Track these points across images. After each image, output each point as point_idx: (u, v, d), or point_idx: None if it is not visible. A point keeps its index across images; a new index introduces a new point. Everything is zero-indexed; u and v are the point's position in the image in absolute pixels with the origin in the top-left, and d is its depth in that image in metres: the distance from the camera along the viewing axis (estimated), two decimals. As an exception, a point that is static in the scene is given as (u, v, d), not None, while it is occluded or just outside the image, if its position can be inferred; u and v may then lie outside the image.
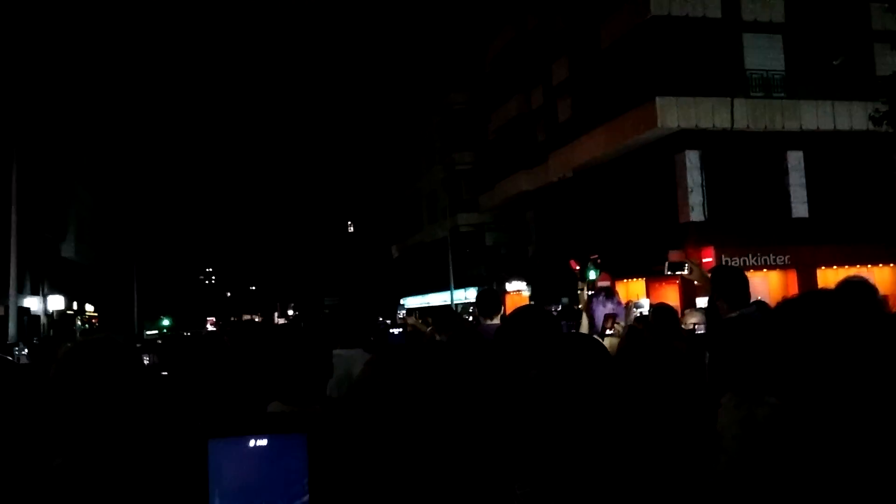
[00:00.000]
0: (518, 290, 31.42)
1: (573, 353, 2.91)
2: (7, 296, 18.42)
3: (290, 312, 63.79)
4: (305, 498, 0.89)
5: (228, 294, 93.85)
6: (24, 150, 20.81)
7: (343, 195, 64.95)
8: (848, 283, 3.78)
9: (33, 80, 24.76)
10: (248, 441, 0.89)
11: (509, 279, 31.96)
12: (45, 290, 32.61)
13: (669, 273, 5.87)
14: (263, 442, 0.90)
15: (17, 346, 9.35)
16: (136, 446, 1.66)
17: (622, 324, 6.90)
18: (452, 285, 35.22)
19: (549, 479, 2.49)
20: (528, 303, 29.41)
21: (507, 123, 32.65)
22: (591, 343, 3.11)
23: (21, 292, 21.06)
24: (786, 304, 1.63)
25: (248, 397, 2.80)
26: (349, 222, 64.60)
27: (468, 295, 34.19)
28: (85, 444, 1.64)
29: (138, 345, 12.43)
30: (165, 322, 49.52)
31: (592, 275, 17.57)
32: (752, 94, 21.70)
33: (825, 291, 1.72)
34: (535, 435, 2.58)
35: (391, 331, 6.40)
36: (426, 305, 37.96)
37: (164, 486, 1.48)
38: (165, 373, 3.71)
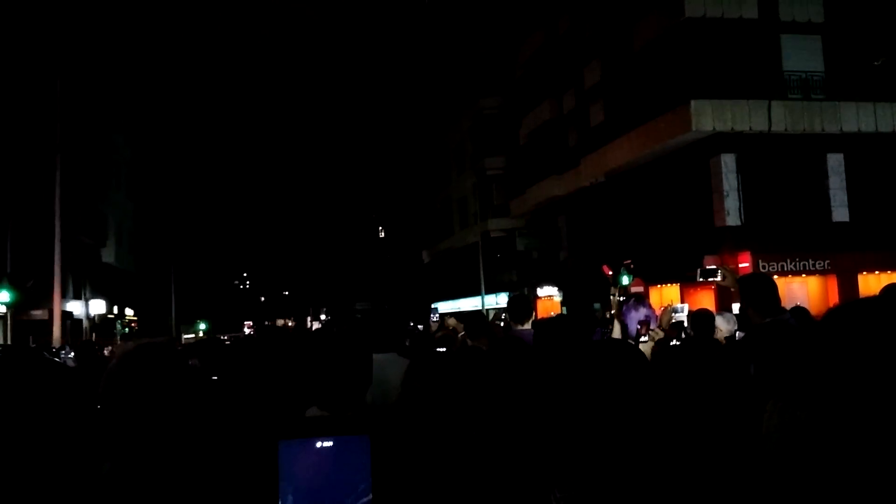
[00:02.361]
0: (549, 296, 31.29)
1: (611, 358, 2.90)
2: (51, 300, 18.87)
3: (322, 317, 64.32)
4: (369, 497, 0.93)
5: (262, 299, 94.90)
6: (66, 157, 21.35)
7: (374, 201, 65.38)
8: (891, 290, 3.70)
9: (73, 86, 25.39)
10: (316, 442, 0.94)
11: (540, 284, 31.85)
12: (87, 295, 33.39)
13: (703, 279, 5.82)
14: (330, 443, 0.95)
15: (64, 349, 9.58)
16: (198, 448, 1.68)
17: (655, 329, 6.82)
18: (483, 291, 35.20)
19: (586, 484, 2.49)
20: (559, 309, 29.33)
21: (539, 128, 32.56)
22: (628, 349, 3.09)
23: (64, 297, 21.55)
24: (831, 313, 1.61)
25: (286, 402, 2.84)
26: (380, 228, 64.95)
27: (499, 300, 34.12)
28: (140, 449, 1.65)
29: (178, 348, 12.66)
30: (202, 326, 50.29)
31: (625, 280, 17.45)
32: (790, 95, 21.34)
33: (869, 300, 1.70)
34: (572, 439, 2.58)
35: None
36: (456, 311, 37.98)
37: (234, 486, 1.51)
38: (214, 377, 3.78)
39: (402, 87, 54.73)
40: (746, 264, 19.50)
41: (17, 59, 24.31)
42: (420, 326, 14.53)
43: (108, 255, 37.91)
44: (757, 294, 4.33)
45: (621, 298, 7.35)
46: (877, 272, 20.33)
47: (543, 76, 32.14)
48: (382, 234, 64.42)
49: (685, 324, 6.11)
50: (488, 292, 35.33)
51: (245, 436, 1.70)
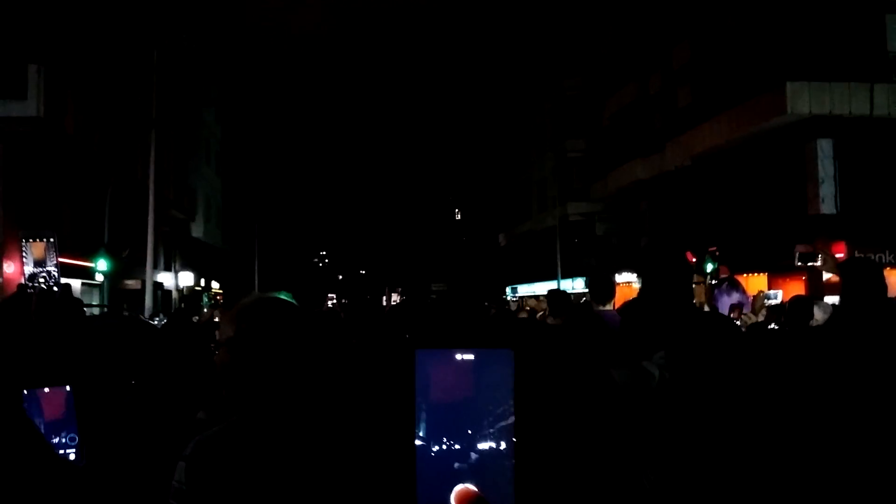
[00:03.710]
0: (628, 282, 30.70)
1: (709, 334, 2.82)
2: (144, 271, 19.78)
3: (396, 297, 64.97)
4: (511, 419, 0.89)
5: (340, 277, 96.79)
6: (160, 133, 22.26)
7: (452, 183, 65.53)
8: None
9: (167, 61, 26.37)
10: (455, 354, 0.90)
11: (619, 270, 31.27)
12: (177, 267, 34.86)
13: (800, 263, 5.59)
14: (471, 356, 0.90)
15: (158, 316, 10.03)
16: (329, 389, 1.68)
17: (748, 314, 6.63)
18: (560, 275, 34.86)
19: (676, 468, 2.44)
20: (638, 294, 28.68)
21: (623, 109, 31.82)
22: (727, 325, 3.00)
23: (155, 268, 22.57)
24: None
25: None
26: (457, 210, 65.10)
27: (575, 285, 33.72)
28: (270, 400, 1.61)
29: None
30: (283, 297, 51.66)
31: (710, 267, 16.96)
32: (894, 78, 20.15)
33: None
34: (663, 423, 2.53)
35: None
36: (532, 294, 37.77)
37: (373, 399, 1.52)
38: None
39: (485, 67, 54.47)
40: (841, 255, 18.57)
41: (115, 33, 25.39)
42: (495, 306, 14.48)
43: (196, 230, 39.41)
44: (861, 280, 4.10)
45: (713, 282, 7.16)
46: (984, 267, 19.07)
47: (629, 56, 31.33)
48: (459, 217, 64.57)
49: (783, 309, 5.89)
50: (565, 277, 34.97)
51: (385, 346, 1.71)
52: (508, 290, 44.07)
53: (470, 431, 0.87)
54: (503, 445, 0.88)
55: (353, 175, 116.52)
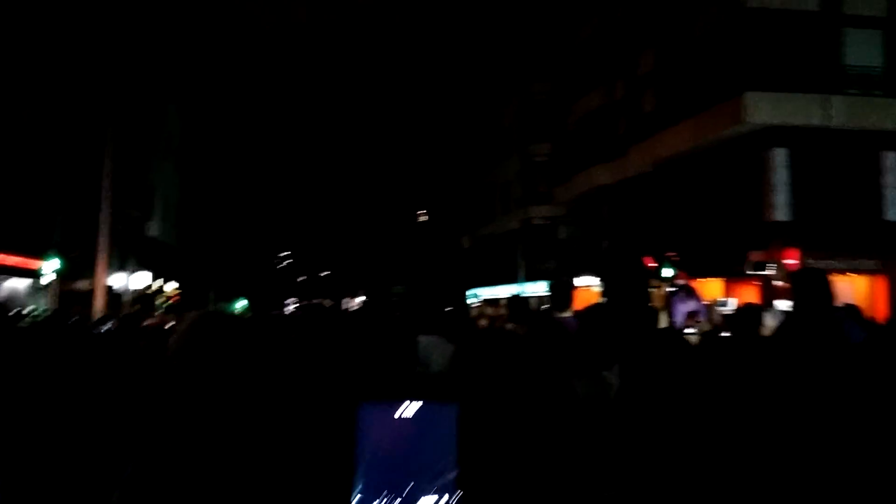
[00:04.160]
0: (588, 286, 30.95)
1: (660, 350, 2.79)
2: (95, 271, 19.24)
3: (359, 299, 64.66)
4: (453, 473, 0.81)
5: (303, 278, 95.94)
6: (118, 128, 21.72)
7: (416, 184, 65.45)
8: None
9: (126, 56, 25.80)
10: (400, 406, 0.82)
11: (580, 274, 31.51)
12: (131, 268, 34.08)
13: (751, 272, 5.66)
14: (416, 407, 0.82)
15: (106, 322, 9.73)
16: (268, 414, 1.61)
17: (703, 321, 6.68)
18: (523, 278, 34.99)
19: (636, 484, 2.39)
20: (598, 299, 28.97)
21: (588, 115, 32.11)
22: (677, 340, 2.96)
23: (109, 269, 22.02)
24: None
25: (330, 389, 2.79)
26: (421, 211, 65.05)
27: (538, 288, 33.90)
28: (208, 416, 1.57)
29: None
30: (241, 303, 51.01)
31: (668, 272, 17.19)
32: (848, 91, 20.68)
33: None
34: (621, 438, 2.48)
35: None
36: (494, 297, 37.90)
37: (310, 451, 1.42)
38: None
39: (452, 68, 54.52)
40: (794, 261, 18.99)
41: (71, 26, 24.76)
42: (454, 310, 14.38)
43: (152, 229, 38.60)
44: (810, 288, 4.14)
45: (670, 289, 7.21)
46: (931, 275, 19.68)
47: (596, 62, 31.62)
48: (423, 219, 64.53)
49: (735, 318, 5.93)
50: (527, 280, 35.13)
51: (322, 398, 1.63)
52: (470, 293, 44.14)
53: (412, 485, 0.81)
54: (445, 499, 0.81)
55: (318, 174, 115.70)
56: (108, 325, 9.99)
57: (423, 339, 3.99)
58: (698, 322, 6.23)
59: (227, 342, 1.58)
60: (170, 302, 37.78)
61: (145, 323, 9.48)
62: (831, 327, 3.62)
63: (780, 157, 20.20)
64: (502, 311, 9.23)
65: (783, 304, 6.15)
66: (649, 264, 17.19)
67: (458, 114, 52.94)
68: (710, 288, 21.93)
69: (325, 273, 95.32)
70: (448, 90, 54.65)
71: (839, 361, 2.33)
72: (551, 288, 5.72)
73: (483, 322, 9.80)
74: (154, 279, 36.71)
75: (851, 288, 20.20)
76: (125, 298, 31.04)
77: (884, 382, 2.22)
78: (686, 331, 6.20)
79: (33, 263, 18.67)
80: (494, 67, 45.27)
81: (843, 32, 20.85)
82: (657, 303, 7.10)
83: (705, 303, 8.69)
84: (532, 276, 35.32)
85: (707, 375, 2.69)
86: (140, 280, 33.94)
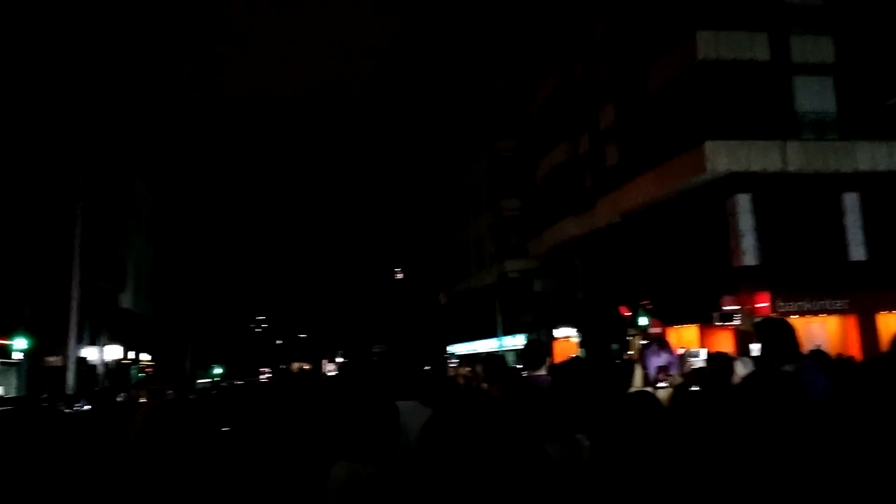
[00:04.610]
0: (567, 337, 31.01)
1: (630, 416, 2.84)
2: (67, 346, 18.94)
3: (339, 360, 63.96)
4: None
5: (279, 342, 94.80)
6: (87, 203, 21.64)
7: (391, 243, 65.64)
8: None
9: (95, 131, 25.86)
10: None
11: (557, 326, 31.59)
12: (104, 341, 33.50)
13: (721, 323, 5.77)
14: None
15: (79, 402, 9.57)
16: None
17: (675, 375, 6.75)
18: (501, 332, 34.98)
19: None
20: (577, 350, 29.08)
21: (555, 170, 32.71)
22: (647, 404, 3.02)
23: (80, 343, 21.64)
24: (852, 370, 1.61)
25: (310, 456, 2.79)
26: (397, 269, 65.04)
27: (516, 342, 33.88)
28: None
29: (191, 396, 12.60)
30: (217, 371, 50.19)
31: (643, 321, 17.28)
32: (803, 136, 21.35)
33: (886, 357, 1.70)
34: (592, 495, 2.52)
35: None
36: (473, 352, 37.76)
37: None
38: (226, 429, 3.74)
39: (420, 130, 55.38)
40: (765, 304, 19.25)
41: (41, 103, 24.86)
42: (433, 372, 14.39)
43: (125, 301, 38.13)
44: (774, 340, 4.26)
45: (644, 342, 7.28)
46: (897, 311, 20.03)
47: (559, 118, 32.41)
48: (399, 276, 64.49)
49: (704, 370, 6.01)
50: (505, 334, 35.11)
51: None
52: (449, 349, 43.93)
53: None
54: None
55: (291, 238, 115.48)
56: (80, 404, 9.81)
57: (401, 406, 4.01)
58: (670, 376, 6.31)
59: (179, 433, 1.68)
60: (145, 373, 37.09)
61: (119, 398, 9.34)
62: (790, 384, 3.72)
63: (743, 202, 20.62)
64: (470, 373, 9.22)
65: (756, 349, 6.27)
66: (624, 313, 17.30)
67: (429, 173, 53.58)
68: (686, 334, 22.10)
69: (303, 335, 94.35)
70: (418, 151, 55.40)
71: (793, 422, 2.39)
72: (524, 348, 5.79)
73: (460, 381, 9.78)
74: (128, 350, 36.09)
75: (823, 328, 20.50)
76: (99, 371, 30.43)
77: (841, 445, 2.27)
78: (659, 385, 6.27)
79: (2, 342, 18.32)
80: (461, 127, 46.10)
81: (794, 80, 21.61)
82: (633, 353, 7.18)
83: (679, 352, 8.78)
84: (510, 330, 35.33)
85: (675, 439, 2.74)
86: (113, 352, 33.34)
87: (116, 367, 32.73)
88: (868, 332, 19.77)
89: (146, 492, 1.65)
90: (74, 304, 18.74)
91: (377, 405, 2.47)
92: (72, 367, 18.12)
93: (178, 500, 1.66)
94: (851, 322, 20.50)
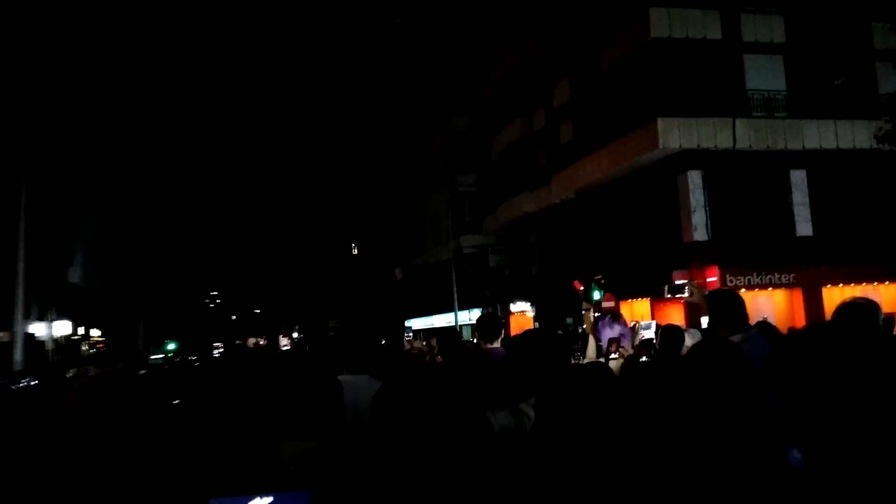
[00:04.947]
0: (522, 311, 31.38)
1: (580, 384, 2.91)
2: (13, 322, 18.47)
3: (295, 335, 63.55)
4: None
5: (234, 317, 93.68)
6: (32, 175, 20.97)
7: (347, 218, 65.18)
8: (850, 307, 3.76)
9: (40, 103, 25.01)
10: (251, 501, 0.83)
11: (513, 300, 31.92)
12: (52, 316, 32.68)
13: (671, 295, 5.91)
14: (268, 500, 0.83)
15: (27, 377, 9.36)
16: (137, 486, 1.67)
17: (627, 347, 6.92)
18: (457, 307, 35.19)
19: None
20: (532, 324, 29.47)
21: (510, 146, 32.82)
22: (598, 373, 3.10)
23: (28, 318, 21.11)
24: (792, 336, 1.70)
25: (258, 434, 2.78)
26: (353, 245, 64.70)
27: (472, 316, 34.12)
28: (90, 477, 1.66)
29: (142, 371, 12.42)
30: (171, 346, 49.46)
31: (597, 295, 17.54)
32: (753, 114, 21.81)
33: (825, 325, 1.79)
34: (535, 472, 2.58)
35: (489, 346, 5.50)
36: (430, 327, 37.93)
37: None
38: (177, 401, 3.72)
39: (375, 104, 54.81)
40: (714, 279, 19.77)
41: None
42: (387, 345, 14.41)
43: (74, 275, 37.17)
44: (725, 311, 4.40)
45: (596, 315, 7.44)
46: (840, 285, 20.75)
47: (514, 95, 32.45)
48: (355, 252, 64.18)
49: (654, 341, 6.17)
50: (461, 308, 35.32)
51: (177, 490, 1.68)
52: (407, 323, 44.05)
53: None
54: None
55: (246, 211, 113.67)
56: (27, 380, 9.61)
57: (350, 379, 4.01)
58: (622, 347, 6.46)
59: (111, 406, 1.68)
60: (96, 349, 36.37)
61: (68, 374, 9.15)
62: (733, 352, 3.87)
63: (694, 179, 21.04)
64: (424, 346, 9.30)
65: (706, 322, 6.45)
66: (578, 288, 17.52)
67: (385, 148, 53.21)
68: (638, 308, 22.58)
69: (258, 311, 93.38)
70: (375, 125, 54.90)
71: (734, 388, 2.49)
72: (479, 321, 5.85)
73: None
74: (77, 326, 35.30)
75: (770, 302, 21.15)
76: (48, 347, 29.74)
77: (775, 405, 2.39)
78: (611, 356, 6.41)
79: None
80: (417, 102, 45.82)
81: (745, 59, 22.01)
82: (587, 327, 7.33)
83: (631, 325, 8.97)
84: (466, 305, 35.55)
85: (624, 406, 2.83)
86: (62, 328, 32.59)
87: (66, 343, 32.02)
88: (814, 305, 20.48)
89: (74, 463, 1.66)
90: (21, 279, 18.26)
91: (316, 382, 2.47)
92: (19, 342, 17.70)
93: (108, 471, 1.66)
94: (797, 295, 21.20)
